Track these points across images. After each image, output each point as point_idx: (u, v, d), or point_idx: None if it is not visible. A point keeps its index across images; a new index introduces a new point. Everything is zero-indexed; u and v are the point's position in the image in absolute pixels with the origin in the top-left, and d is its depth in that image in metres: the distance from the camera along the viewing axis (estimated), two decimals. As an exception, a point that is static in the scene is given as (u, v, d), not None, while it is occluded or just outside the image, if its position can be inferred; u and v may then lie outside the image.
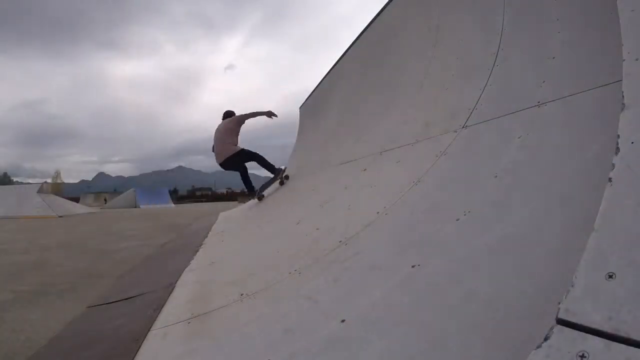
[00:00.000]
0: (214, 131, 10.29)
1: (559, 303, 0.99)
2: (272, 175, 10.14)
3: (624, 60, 1.45)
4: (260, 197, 10.10)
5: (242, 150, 9.83)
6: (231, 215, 11.91)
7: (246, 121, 10.02)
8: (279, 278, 2.99)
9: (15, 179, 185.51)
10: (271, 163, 9.93)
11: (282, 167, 10.43)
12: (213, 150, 10.09)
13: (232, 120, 9.99)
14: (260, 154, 9.87)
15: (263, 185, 10.55)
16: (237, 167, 10.20)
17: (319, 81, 11.96)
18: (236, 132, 10.06)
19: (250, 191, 10.61)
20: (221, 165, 9.90)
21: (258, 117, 10.22)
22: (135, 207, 41.48)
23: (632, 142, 1.20)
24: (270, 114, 9.93)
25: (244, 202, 15.08)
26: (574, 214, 1.62)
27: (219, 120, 10.06)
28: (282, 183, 9.94)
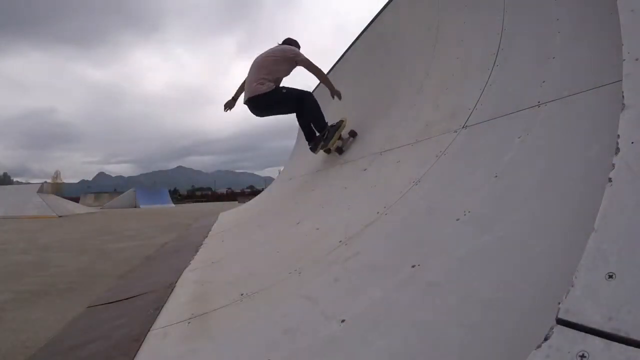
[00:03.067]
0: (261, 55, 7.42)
1: (559, 303, 0.99)
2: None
3: (624, 60, 1.45)
4: (329, 150, 7.31)
5: (277, 89, 6.93)
6: (231, 215, 11.90)
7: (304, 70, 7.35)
8: (279, 278, 2.99)
9: (16, 179, 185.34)
10: (321, 116, 7.20)
11: (343, 120, 7.13)
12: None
13: (289, 52, 7.18)
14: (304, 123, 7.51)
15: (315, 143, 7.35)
16: (273, 110, 7.38)
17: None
18: (283, 68, 7.15)
19: (320, 138, 7.19)
20: (248, 105, 7.08)
21: (322, 85, 7.93)
22: (136, 207, 41.48)
23: (632, 142, 1.20)
24: (337, 94, 7.38)
25: (244, 202, 15.07)
26: (574, 214, 1.62)
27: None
28: (340, 151, 7.00)
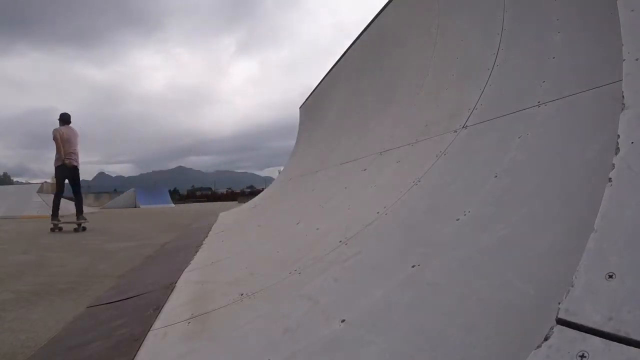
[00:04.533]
0: (67, 131, 10.79)
1: (559, 303, 0.99)
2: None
3: (624, 60, 1.45)
4: (57, 226, 10.69)
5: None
6: (231, 215, 11.91)
7: None
8: (279, 278, 2.99)
9: (16, 179, 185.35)
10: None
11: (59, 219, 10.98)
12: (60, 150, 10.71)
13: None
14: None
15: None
16: (65, 179, 10.73)
17: (319, 81, 11.91)
18: None
19: (54, 215, 10.89)
20: (71, 172, 10.60)
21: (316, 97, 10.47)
22: (136, 207, 41.54)
23: (632, 142, 1.20)
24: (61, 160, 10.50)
25: (244, 202, 15.10)
26: (574, 214, 1.62)
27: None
28: (59, 228, 10.65)
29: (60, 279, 5.16)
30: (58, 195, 10.78)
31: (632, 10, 1.54)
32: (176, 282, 3.97)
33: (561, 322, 0.95)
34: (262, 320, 2.42)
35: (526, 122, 2.57)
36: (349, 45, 9.80)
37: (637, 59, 1.40)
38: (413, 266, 2.07)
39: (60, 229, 10.77)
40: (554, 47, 2.82)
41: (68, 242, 9.46)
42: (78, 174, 10.79)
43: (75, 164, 9.98)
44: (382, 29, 7.78)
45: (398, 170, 4.00)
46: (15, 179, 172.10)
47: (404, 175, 3.60)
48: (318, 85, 12.11)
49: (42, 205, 23.30)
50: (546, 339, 0.94)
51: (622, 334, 0.85)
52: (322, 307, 2.22)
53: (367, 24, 8.72)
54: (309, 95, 14.01)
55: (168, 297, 3.50)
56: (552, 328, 0.96)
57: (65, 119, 11.14)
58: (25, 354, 2.78)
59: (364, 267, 2.49)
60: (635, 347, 0.83)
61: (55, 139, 10.58)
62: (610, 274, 0.96)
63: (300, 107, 15.47)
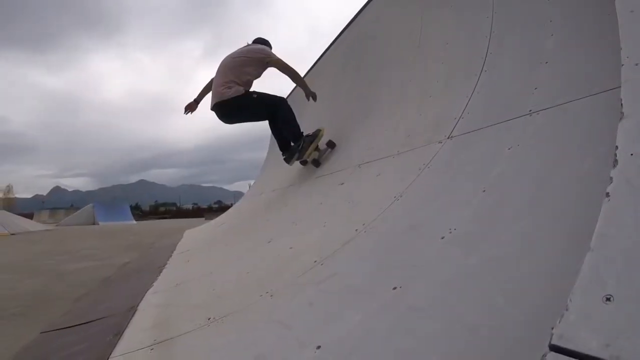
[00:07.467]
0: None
1: (552, 328, 0.98)
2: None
3: (622, 65, 1.45)
4: (304, 162, 7.34)
5: (247, 93, 6.87)
6: (197, 233, 11.83)
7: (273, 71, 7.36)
8: (249, 301, 2.96)
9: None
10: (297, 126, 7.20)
11: (321, 129, 7.10)
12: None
13: (259, 52, 7.19)
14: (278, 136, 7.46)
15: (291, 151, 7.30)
16: (243, 117, 7.38)
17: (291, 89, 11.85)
18: (253, 70, 7.11)
19: (295, 148, 7.15)
20: (214, 111, 7.02)
21: (297, 90, 8.50)
22: (94, 224, 41.28)
23: (632, 154, 1.20)
24: (312, 96, 7.32)
25: (211, 219, 15.02)
26: (569, 232, 1.62)
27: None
28: (317, 163, 6.97)
29: (11, 302, 5.08)
30: (273, 125, 7.50)
31: (631, 11, 1.56)
32: (137, 306, 3.93)
33: (555, 348, 0.94)
34: (231, 346, 2.40)
35: (516, 132, 2.58)
36: (325, 49, 9.81)
37: (636, 64, 1.40)
38: (394, 288, 2.06)
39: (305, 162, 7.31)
40: (546, 51, 2.85)
41: (20, 262, 9.33)
42: (235, 105, 6.83)
43: (212, 102, 6.92)
44: (361, 31, 7.81)
45: (378, 184, 4.00)
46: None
47: (385, 190, 3.60)
48: (290, 93, 12.08)
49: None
50: (539, 367, 0.94)
51: (620, 362, 0.85)
52: (295, 333, 2.20)
53: (344, 27, 8.73)
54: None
55: (129, 321, 3.46)
56: (544, 355, 0.95)
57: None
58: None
59: (341, 289, 2.47)
60: (635, 376, 0.82)
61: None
62: (608, 296, 0.96)
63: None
